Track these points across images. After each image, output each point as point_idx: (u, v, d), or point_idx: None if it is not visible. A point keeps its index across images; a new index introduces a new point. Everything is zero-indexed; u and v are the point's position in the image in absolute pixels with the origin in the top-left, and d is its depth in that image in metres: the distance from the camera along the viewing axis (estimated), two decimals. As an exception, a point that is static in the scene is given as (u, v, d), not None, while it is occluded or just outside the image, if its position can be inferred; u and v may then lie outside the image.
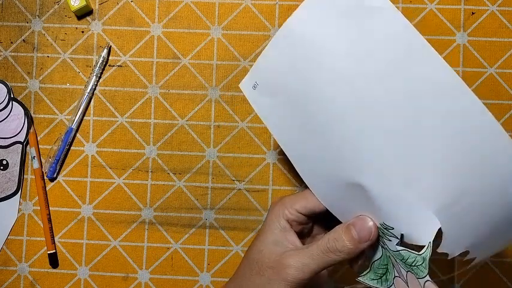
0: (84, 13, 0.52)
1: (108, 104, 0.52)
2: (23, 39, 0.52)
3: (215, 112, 0.51)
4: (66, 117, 0.52)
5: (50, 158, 0.51)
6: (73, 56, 0.52)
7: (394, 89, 0.30)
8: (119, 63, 0.52)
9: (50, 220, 0.51)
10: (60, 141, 0.51)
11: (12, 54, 0.52)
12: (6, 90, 0.52)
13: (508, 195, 0.30)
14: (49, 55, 0.52)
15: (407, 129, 0.31)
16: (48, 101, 0.52)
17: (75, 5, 0.51)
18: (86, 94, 0.51)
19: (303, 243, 0.38)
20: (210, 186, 0.51)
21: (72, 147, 0.52)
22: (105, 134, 0.52)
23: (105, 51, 0.51)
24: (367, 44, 0.31)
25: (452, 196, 0.30)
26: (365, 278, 0.37)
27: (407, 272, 0.34)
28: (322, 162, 0.35)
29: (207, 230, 0.51)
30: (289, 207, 0.38)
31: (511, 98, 0.50)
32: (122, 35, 0.52)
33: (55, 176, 0.51)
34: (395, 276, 0.35)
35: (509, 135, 0.29)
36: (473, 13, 0.51)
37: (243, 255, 0.50)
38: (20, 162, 0.51)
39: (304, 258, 0.34)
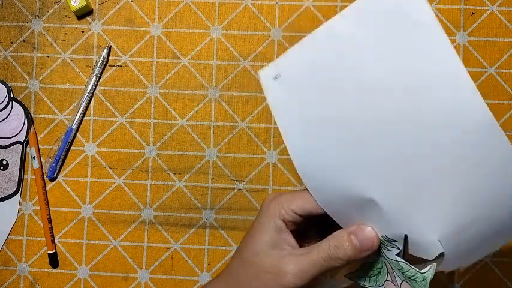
0: (84, 13, 0.52)
1: (108, 104, 0.52)
2: (23, 39, 0.52)
3: (215, 112, 0.51)
4: (66, 117, 0.52)
5: (50, 158, 0.51)
6: (73, 56, 0.52)
7: (422, 110, 0.30)
8: (119, 63, 0.52)
9: (50, 220, 0.51)
10: (60, 141, 0.51)
11: (12, 54, 0.52)
12: (6, 90, 0.52)
13: None
14: (49, 55, 0.52)
15: (432, 154, 0.30)
16: (48, 101, 0.52)
17: (75, 5, 0.51)
18: (86, 94, 0.51)
19: (297, 242, 0.37)
20: (210, 186, 0.51)
21: (72, 147, 0.52)
22: (105, 134, 0.52)
23: (105, 51, 0.51)
24: (403, 58, 0.31)
25: (461, 225, 0.31)
26: (353, 276, 0.37)
27: (402, 281, 0.34)
28: (332, 170, 0.34)
29: (207, 230, 0.51)
30: (285, 207, 0.36)
31: (511, 98, 0.50)
32: (122, 35, 0.52)
33: (55, 176, 0.51)
34: (387, 280, 0.35)
35: (509, 135, 0.29)
36: (473, 13, 0.51)
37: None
38: (20, 162, 0.52)
39: (304, 265, 0.33)
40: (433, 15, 0.29)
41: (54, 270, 0.51)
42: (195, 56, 0.52)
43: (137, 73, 0.52)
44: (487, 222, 0.30)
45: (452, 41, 0.51)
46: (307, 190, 0.36)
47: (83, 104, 0.51)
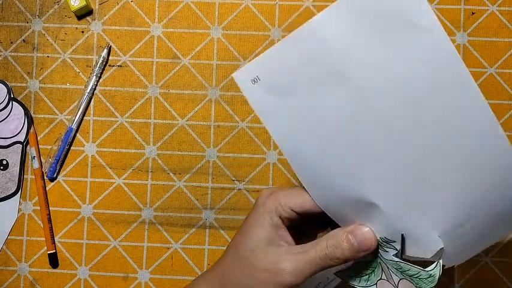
0: (84, 13, 0.52)
1: (108, 104, 0.52)
2: (23, 39, 0.52)
3: (215, 112, 0.51)
4: (66, 117, 0.52)
5: (50, 158, 0.51)
6: (73, 56, 0.52)
7: (422, 114, 0.30)
8: (119, 63, 0.52)
9: (50, 220, 0.51)
10: (60, 141, 0.51)
11: (12, 54, 0.52)
12: (6, 90, 0.52)
13: None
14: (49, 55, 0.52)
15: (431, 155, 0.30)
16: (48, 101, 0.52)
17: (75, 5, 0.51)
18: (86, 94, 0.51)
19: (293, 238, 0.37)
20: (210, 186, 0.51)
21: (72, 147, 0.52)
22: (105, 134, 0.52)
23: (105, 51, 0.51)
24: (401, 63, 0.30)
25: (460, 220, 0.31)
26: (344, 274, 0.37)
27: (401, 279, 0.34)
28: (330, 171, 0.34)
29: (207, 230, 0.51)
30: (283, 204, 0.35)
31: (511, 98, 0.50)
32: (122, 35, 0.52)
33: (55, 176, 0.51)
34: (381, 279, 0.35)
35: (509, 135, 0.29)
36: (473, 13, 0.51)
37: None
38: (20, 162, 0.52)
39: (301, 264, 0.33)
40: (435, 18, 0.28)
41: (54, 270, 0.51)
42: (195, 56, 0.52)
43: (137, 73, 0.52)
44: (485, 216, 0.31)
45: (452, 41, 0.51)
46: (303, 188, 0.36)
47: (83, 104, 0.51)
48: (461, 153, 0.30)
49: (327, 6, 0.51)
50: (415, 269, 0.32)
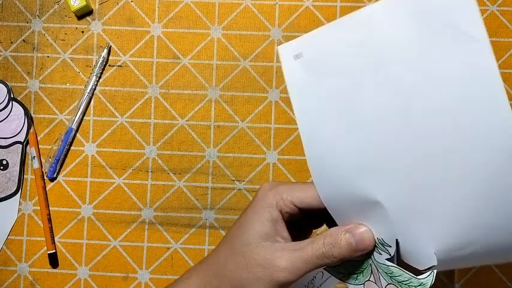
0: (84, 13, 0.52)
1: (108, 104, 0.52)
2: (23, 39, 0.52)
3: (215, 112, 0.51)
4: (66, 117, 0.52)
5: (50, 158, 0.51)
6: (73, 56, 0.52)
7: (449, 120, 0.29)
8: (119, 63, 0.52)
9: (50, 220, 0.51)
10: (60, 141, 0.51)
11: (12, 54, 0.52)
12: (6, 90, 0.52)
13: None
14: (49, 55, 0.52)
15: (448, 166, 0.30)
16: (48, 101, 0.52)
17: (75, 5, 0.51)
18: (86, 94, 0.51)
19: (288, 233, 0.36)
20: (210, 186, 0.51)
21: (72, 147, 0.52)
22: (105, 134, 0.52)
23: (105, 51, 0.51)
24: (440, 67, 0.29)
25: (461, 244, 0.30)
26: (332, 270, 0.37)
27: (388, 284, 0.34)
28: (344, 166, 0.33)
29: (207, 230, 0.51)
30: (284, 198, 0.35)
31: (511, 97, 0.50)
32: (122, 35, 0.52)
33: (55, 176, 0.51)
34: (369, 280, 0.35)
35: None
36: (473, 13, 0.51)
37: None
38: (20, 162, 0.52)
39: (297, 262, 0.33)
40: (483, 29, 0.28)
41: (54, 270, 0.51)
42: (195, 56, 0.52)
43: (137, 73, 0.52)
44: (487, 244, 0.30)
45: (452, 41, 0.51)
46: (308, 183, 0.36)
47: (83, 104, 0.51)
48: (478, 172, 0.29)
49: (327, 6, 0.52)
50: (406, 275, 0.32)
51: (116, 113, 0.52)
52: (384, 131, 0.31)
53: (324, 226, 0.39)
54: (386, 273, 0.34)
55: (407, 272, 0.32)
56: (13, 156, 0.52)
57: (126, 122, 0.52)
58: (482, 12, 0.51)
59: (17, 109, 0.52)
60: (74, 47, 0.52)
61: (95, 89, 0.52)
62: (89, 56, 0.52)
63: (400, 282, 0.33)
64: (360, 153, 0.32)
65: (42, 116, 0.52)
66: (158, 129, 0.52)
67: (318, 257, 0.33)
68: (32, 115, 0.52)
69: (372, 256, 0.35)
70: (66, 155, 0.52)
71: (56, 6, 0.53)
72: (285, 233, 0.35)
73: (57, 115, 0.52)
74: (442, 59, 0.29)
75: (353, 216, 0.34)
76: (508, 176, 0.28)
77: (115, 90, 0.52)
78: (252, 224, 0.35)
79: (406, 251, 0.33)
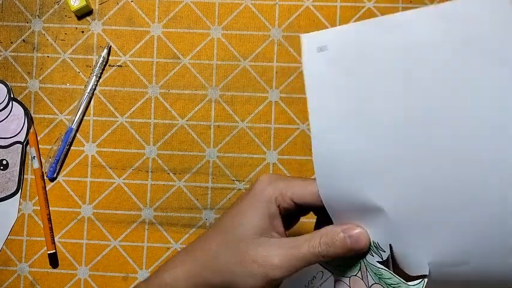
0: (84, 13, 0.52)
1: (108, 104, 0.52)
2: (23, 39, 0.52)
3: (215, 112, 0.51)
4: (66, 117, 0.52)
5: (50, 158, 0.51)
6: (73, 56, 0.52)
7: (471, 145, 0.29)
8: (119, 63, 0.52)
9: (50, 220, 0.51)
10: (60, 141, 0.51)
11: (12, 54, 0.52)
12: (6, 90, 0.52)
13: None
14: (49, 55, 0.52)
15: (461, 190, 0.29)
16: (48, 101, 0.52)
17: (75, 5, 0.51)
18: (86, 94, 0.51)
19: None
20: (210, 186, 0.51)
21: (72, 147, 0.52)
22: (105, 134, 0.52)
23: (105, 51, 0.51)
24: (474, 86, 0.29)
25: (453, 261, 0.30)
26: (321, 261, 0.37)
27: (375, 283, 0.34)
28: (350, 168, 0.33)
29: (207, 230, 0.51)
30: (284, 194, 0.34)
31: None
32: (122, 35, 0.52)
33: (55, 176, 0.51)
34: (355, 276, 0.35)
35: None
36: (473, 13, 0.51)
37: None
38: (20, 162, 0.52)
39: (292, 260, 0.33)
40: None
41: (54, 270, 0.51)
42: (195, 56, 0.52)
43: (137, 73, 0.52)
44: (479, 269, 0.30)
45: (452, 41, 0.51)
46: (307, 179, 0.35)
47: (83, 104, 0.51)
48: (488, 201, 0.29)
49: (327, 6, 0.52)
50: (396, 279, 0.32)
51: (116, 113, 0.52)
52: (398, 140, 0.31)
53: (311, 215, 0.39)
54: (375, 273, 0.34)
55: (397, 276, 0.32)
56: (13, 156, 0.52)
57: (126, 122, 0.52)
58: (482, 12, 0.51)
59: (17, 109, 0.52)
60: (74, 47, 0.52)
61: (95, 89, 0.52)
62: (89, 56, 0.52)
63: (388, 284, 0.33)
64: (369, 158, 0.32)
65: (42, 116, 0.52)
66: (158, 129, 0.52)
67: (313, 255, 0.33)
68: (32, 115, 0.52)
69: (365, 257, 0.35)
70: (66, 155, 0.52)
71: (56, 6, 0.53)
72: (280, 228, 0.35)
73: (57, 115, 0.52)
74: (476, 79, 0.28)
75: (351, 216, 0.34)
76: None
77: (115, 90, 0.52)
78: (248, 217, 0.34)
79: (399, 255, 0.33)
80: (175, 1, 0.52)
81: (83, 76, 0.52)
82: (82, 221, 0.51)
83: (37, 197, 0.51)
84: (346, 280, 0.36)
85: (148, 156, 0.51)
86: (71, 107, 0.52)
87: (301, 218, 0.39)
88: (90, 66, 0.52)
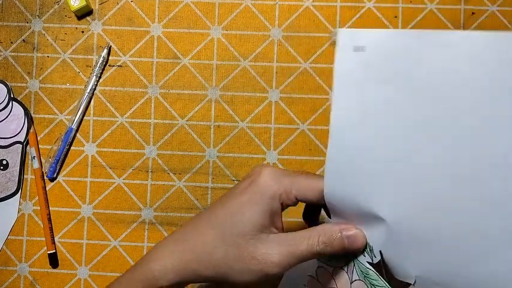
0: (84, 13, 0.52)
1: (108, 104, 0.52)
2: (23, 39, 0.52)
3: (215, 112, 0.51)
4: (66, 117, 0.52)
5: (50, 158, 0.51)
6: (73, 56, 0.52)
7: (489, 182, 0.28)
8: (119, 63, 0.52)
9: (50, 220, 0.51)
10: (60, 141, 0.51)
11: (12, 54, 0.52)
12: (6, 90, 0.52)
13: None
14: (49, 55, 0.52)
15: (466, 221, 0.29)
16: (48, 101, 0.52)
17: (75, 5, 0.51)
18: (86, 94, 0.51)
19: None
20: (210, 186, 0.51)
21: (72, 147, 0.52)
22: (105, 134, 0.52)
23: (105, 51, 0.51)
24: (499, 116, 0.28)
25: (439, 280, 0.30)
26: None
27: (358, 280, 0.34)
28: (362, 173, 0.32)
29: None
30: (288, 191, 0.34)
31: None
32: (122, 35, 0.52)
33: (55, 176, 0.51)
34: (341, 268, 0.36)
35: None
36: (473, 13, 0.51)
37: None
38: (20, 162, 0.52)
39: (292, 259, 0.33)
40: None
41: (54, 270, 0.51)
42: (195, 56, 0.52)
43: (137, 73, 0.52)
44: None
45: (452, 41, 0.51)
46: (310, 176, 0.35)
47: (83, 104, 0.51)
48: (486, 234, 0.28)
49: (327, 6, 0.52)
50: (381, 282, 0.33)
51: (116, 113, 0.52)
52: (416, 158, 0.30)
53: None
54: (362, 271, 0.34)
55: (383, 279, 0.33)
56: (13, 156, 0.52)
57: (126, 122, 0.52)
58: (482, 12, 0.51)
59: (17, 109, 0.52)
60: (74, 47, 0.52)
61: (95, 89, 0.52)
62: (89, 56, 0.52)
63: (373, 285, 0.33)
64: (380, 170, 0.31)
65: (42, 116, 0.52)
66: (158, 129, 0.52)
67: (311, 253, 0.33)
68: (32, 115, 0.52)
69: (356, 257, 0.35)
70: (66, 155, 0.52)
71: (56, 6, 0.53)
72: (279, 223, 0.35)
73: (57, 115, 0.52)
74: (498, 120, 0.28)
75: (350, 218, 0.34)
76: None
77: (115, 90, 0.52)
78: (249, 213, 0.34)
79: (389, 259, 0.33)
80: (175, 1, 0.52)
81: (83, 76, 0.52)
82: (82, 221, 0.51)
83: (37, 197, 0.51)
84: (330, 268, 0.37)
85: (148, 156, 0.51)
86: (71, 107, 0.52)
87: None
88: (90, 66, 0.52)
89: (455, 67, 0.29)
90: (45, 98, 0.52)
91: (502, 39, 0.28)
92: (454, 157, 0.29)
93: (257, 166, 0.36)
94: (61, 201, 0.51)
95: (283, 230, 0.35)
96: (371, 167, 0.32)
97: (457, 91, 0.29)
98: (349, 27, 0.51)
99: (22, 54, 0.52)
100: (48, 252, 0.50)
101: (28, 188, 0.52)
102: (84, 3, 0.50)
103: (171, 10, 0.52)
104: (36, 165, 0.51)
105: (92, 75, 0.51)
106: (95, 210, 0.51)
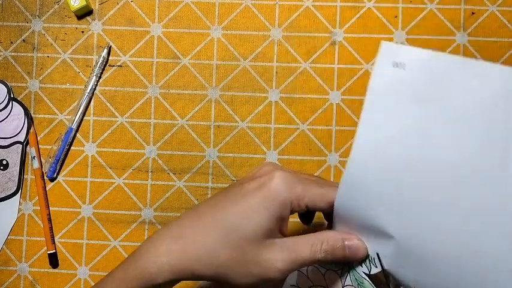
0: (84, 13, 0.52)
1: (108, 104, 0.52)
2: (23, 39, 0.52)
3: (215, 112, 0.51)
4: (66, 117, 0.52)
5: (50, 158, 0.51)
6: (73, 56, 0.52)
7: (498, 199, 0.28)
8: (119, 63, 0.52)
9: (50, 220, 0.51)
10: (60, 141, 0.51)
11: (12, 54, 0.52)
12: (6, 90, 0.52)
13: None
14: (49, 55, 0.52)
15: (475, 261, 0.29)
16: (48, 101, 0.52)
17: (75, 5, 0.51)
18: (86, 94, 0.51)
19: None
20: (210, 186, 0.51)
21: (72, 147, 0.52)
22: (105, 134, 0.52)
23: (105, 51, 0.51)
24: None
25: None
26: None
27: (351, 285, 0.34)
28: (379, 191, 0.32)
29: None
30: (300, 200, 0.33)
31: (511, 98, 0.50)
32: (122, 35, 0.52)
33: (55, 176, 0.51)
34: (333, 270, 0.36)
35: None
36: (473, 13, 0.51)
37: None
38: (20, 162, 0.52)
39: (294, 265, 0.33)
40: None
41: (54, 270, 0.51)
42: (195, 56, 0.52)
43: (137, 73, 0.52)
44: None
45: (452, 41, 0.51)
46: (322, 184, 0.34)
47: (83, 104, 0.51)
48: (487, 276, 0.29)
49: (327, 6, 0.52)
50: None
51: (116, 113, 0.52)
52: (432, 185, 0.30)
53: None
54: (356, 279, 0.35)
55: None
56: (13, 156, 0.52)
57: (126, 122, 0.52)
58: (482, 12, 0.51)
59: (17, 109, 0.52)
60: (74, 47, 0.52)
61: (95, 89, 0.52)
62: (89, 56, 0.52)
63: None
64: (398, 190, 0.31)
65: (42, 116, 0.52)
66: (158, 129, 0.52)
67: (313, 261, 0.33)
68: (32, 115, 0.52)
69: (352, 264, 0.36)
70: (66, 155, 0.52)
71: (56, 6, 0.53)
72: (285, 228, 0.35)
73: (57, 115, 0.52)
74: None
75: (354, 228, 0.34)
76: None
77: (115, 90, 0.52)
78: (257, 219, 0.33)
79: (393, 273, 0.33)
80: (175, 1, 0.52)
81: (83, 76, 0.52)
82: (82, 221, 0.51)
83: (37, 197, 0.51)
84: (322, 270, 0.37)
85: (148, 156, 0.51)
86: (71, 107, 0.52)
87: None
88: (90, 66, 0.52)
89: (491, 102, 0.28)
90: (45, 98, 0.52)
91: None
92: (472, 191, 0.29)
93: (266, 165, 0.36)
94: (61, 201, 0.51)
95: (287, 233, 0.35)
96: (387, 186, 0.31)
97: (487, 127, 0.28)
98: (349, 27, 0.51)
99: (22, 54, 0.52)
100: (48, 252, 0.50)
101: (28, 188, 0.52)
102: (84, 3, 0.50)
103: (171, 10, 0.52)
104: (36, 165, 0.51)
105: (92, 75, 0.51)
106: (95, 210, 0.51)
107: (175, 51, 0.52)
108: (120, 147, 0.52)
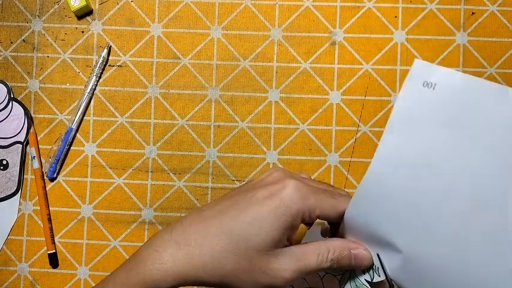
0: (84, 13, 0.52)
1: (108, 104, 0.52)
2: (23, 39, 0.52)
3: (215, 112, 0.51)
4: (66, 117, 0.52)
5: (50, 158, 0.51)
6: (73, 56, 0.52)
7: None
8: (119, 63, 0.52)
9: (50, 220, 0.51)
10: (60, 141, 0.51)
11: (12, 54, 0.52)
12: (6, 90, 0.52)
13: None
14: (49, 55, 0.52)
15: (482, 277, 0.29)
16: (48, 101, 0.52)
17: (75, 5, 0.51)
18: (86, 94, 0.51)
19: None
20: (210, 186, 0.51)
21: (72, 147, 0.52)
22: (105, 134, 0.52)
23: (105, 51, 0.51)
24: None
25: None
26: None
27: None
28: (390, 211, 0.32)
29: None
30: (312, 211, 0.33)
31: None
32: (122, 35, 0.52)
33: (55, 176, 0.51)
34: (334, 275, 0.36)
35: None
36: (473, 13, 0.51)
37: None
38: (20, 162, 0.52)
39: (301, 274, 0.33)
40: None
41: (54, 270, 0.51)
42: (195, 56, 0.52)
43: (137, 73, 0.52)
44: None
45: (452, 41, 0.51)
46: (336, 197, 0.34)
47: (83, 104, 0.51)
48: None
49: (327, 6, 0.52)
50: None
51: (116, 113, 0.52)
52: (448, 207, 0.30)
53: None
54: (357, 285, 0.35)
55: None
56: (13, 156, 0.52)
57: (126, 122, 0.52)
58: (482, 12, 0.51)
59: (17, 109, 0.52)
60: (74, 47, 0.52)
61: (95, 89, 0.52)
62: (89, 56, 0.52)
63: None
64: (411, 209, 0.31)
65: (42, 116, 0.52)
66: (158, 129, 0.52)
67: (319, 269, 0.33)
68: (32, 115, 0.52)
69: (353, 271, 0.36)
70: (66, 155, 0.52)
71: (56, 6, 0.53)
72: (293, 236, 0.34)
73: (57, 115, 0.52)
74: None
75: (362, 239, 0.35)
76: None
77: (115, 90, 0.52)
78: (268, 228, 0.32)
79: (400, 283, 0.33)
80: (175, 1, 0.52)
81: (83, 76, 0.52)
82: (82, 221, 0.51)
83: (37, 197, 0.51)
84: (322, 273, 0.37)
85: (148, 156, 0.51)
86: (71, 107, 0.52)
87: None
88: (90, 66, 0.52)
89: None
90: (45, 98, 0.52)
91: None
92: (487, 218, 0.29)
93: (276, 171, 0.35)
94: (61, 201, 0.51)
95: (293, 240, 0.35)
96: (402, 206, 0.31)
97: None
98: (349, 27, 0.51)
99: (22, 54, 0.52)
100: (48, 252, 0.50)
101: (28, 188, 0.52)
102: (84, 3, 0.50)
103: (171, 10, 0.52)
104: (36, 165, 0.51)
105: (92, 75, 0.51)
106: (95, 210, 0.51)
107: (175, 51, 0.52)
108: (120, 147, 0.52)
